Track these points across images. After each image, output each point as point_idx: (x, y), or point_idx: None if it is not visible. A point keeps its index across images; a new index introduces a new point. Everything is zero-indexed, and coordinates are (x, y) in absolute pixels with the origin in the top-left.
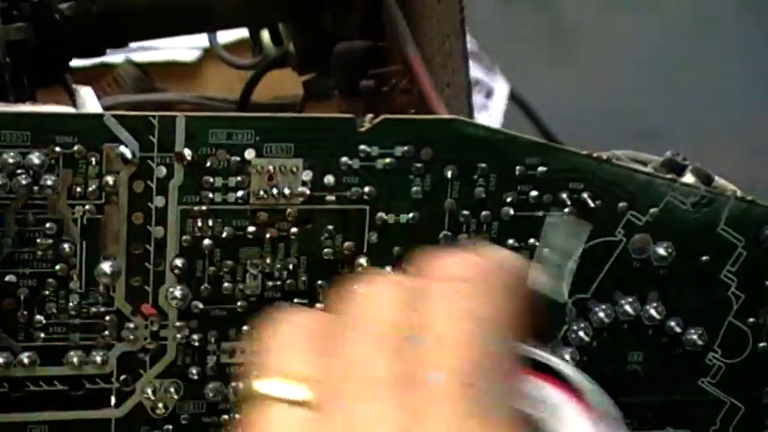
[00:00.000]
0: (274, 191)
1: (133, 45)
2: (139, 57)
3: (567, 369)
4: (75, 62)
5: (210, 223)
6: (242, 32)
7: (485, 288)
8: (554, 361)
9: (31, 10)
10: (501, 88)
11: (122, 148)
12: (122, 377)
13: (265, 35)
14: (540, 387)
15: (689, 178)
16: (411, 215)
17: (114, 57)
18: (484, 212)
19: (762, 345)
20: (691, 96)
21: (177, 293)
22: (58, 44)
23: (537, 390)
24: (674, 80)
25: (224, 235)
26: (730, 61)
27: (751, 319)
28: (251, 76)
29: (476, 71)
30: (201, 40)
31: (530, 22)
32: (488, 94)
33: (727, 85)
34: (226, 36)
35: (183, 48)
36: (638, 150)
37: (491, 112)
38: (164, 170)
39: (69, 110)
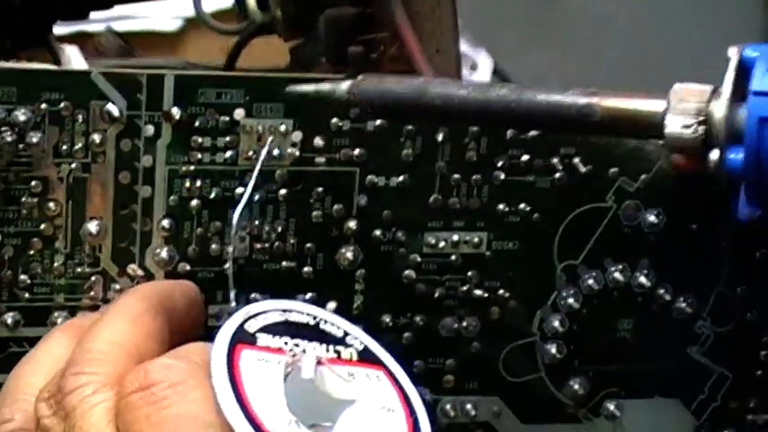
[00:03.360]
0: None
1: (114, 14)
2: (120, 26)
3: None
4: (56, 31)
5: (198, 184)
6: (226, 1)
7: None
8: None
9: None
10: (485, 63)
11: (110, 106)
12: None
13: (251, 1)
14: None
15: None
16: (401, 178)
17: (94, 26)
18: (475, 176)
19: (750, 314)
20: (675, 77)
21: (164, 255)
22: (42, 5)
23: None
24: (659, 61)
25: (212, 196)
26: (717, 41)
27: (740, 288)
28: (236, 41)
29: (460, 44)
30: (182, 9)
31: (514, 1)
32: (473, 66)
33: (715, 66)
34: (209, 5)
35: (164, 17)
36: None
37: None
38: (151, 129)
39: (56, 67)
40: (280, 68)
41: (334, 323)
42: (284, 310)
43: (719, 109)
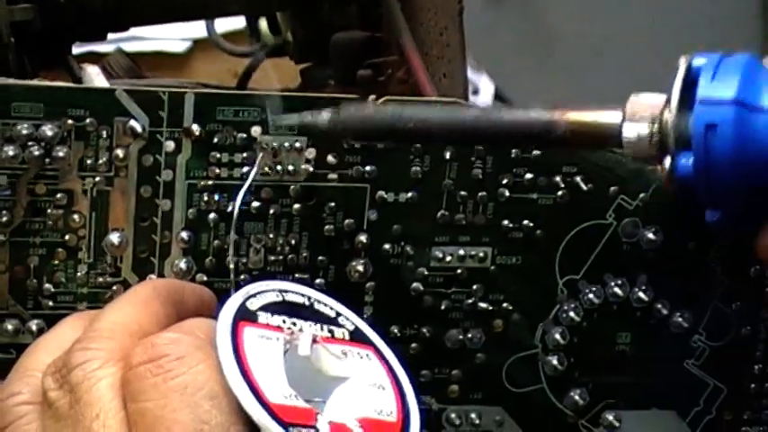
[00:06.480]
0: (279, 167)
1: (123, 34)
2: (129, 46)
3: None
4: None
5: (216, 198)
6: (235, 23)
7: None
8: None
9: None
10: (486, 86)
11: (133, 122)
12: None
13: (263, 24)
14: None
15: None
16: (410, 194)
17: (104, 46)
18: (480, 193)
19: (744, 329)
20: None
21: (182, 265)
22: (62, 26)
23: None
24: (655, 85)
25: (229, 209)
26: None
27: (735, 304)
28: (249, 63)
29: None
30: (191, 31)
31: (515, 26)
32: (475, 91)
33: None
34: (219, 26)
35: (173, 39)
36: None
37: None
38: (172, 145)
39: (82, 85)
40: (290, 89)
41: (327, 304)
42: (281, 291)
43: (670, 117)
